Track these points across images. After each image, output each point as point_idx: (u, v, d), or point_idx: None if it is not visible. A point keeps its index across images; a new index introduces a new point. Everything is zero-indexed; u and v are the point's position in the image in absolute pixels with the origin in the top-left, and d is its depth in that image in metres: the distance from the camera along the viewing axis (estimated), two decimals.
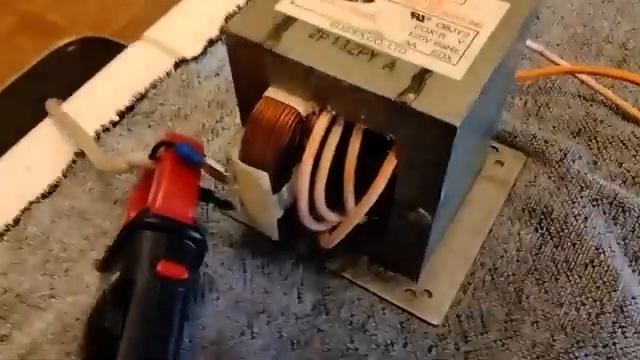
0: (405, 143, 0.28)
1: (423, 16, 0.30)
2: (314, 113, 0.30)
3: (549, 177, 0.40)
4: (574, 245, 0.37)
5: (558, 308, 0.35)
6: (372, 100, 0.27)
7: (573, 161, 0.40)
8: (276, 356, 0.34)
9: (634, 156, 0.41)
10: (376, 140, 0.29)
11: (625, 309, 0.34)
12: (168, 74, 0.46)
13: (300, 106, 0.29)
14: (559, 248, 0.37)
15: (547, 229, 0.38)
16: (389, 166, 0.29)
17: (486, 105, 0.31)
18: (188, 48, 0.47)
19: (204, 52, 0.47)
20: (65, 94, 0.46)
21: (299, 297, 0.36)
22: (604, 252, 0.36)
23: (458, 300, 0.36)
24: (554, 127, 0.43)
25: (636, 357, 0.33)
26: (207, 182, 0.37)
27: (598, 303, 0.35)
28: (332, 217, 0.32)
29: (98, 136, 0.43)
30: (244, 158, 0.31)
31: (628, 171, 0.40)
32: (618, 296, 0.35)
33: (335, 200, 0.31)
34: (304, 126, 0.30)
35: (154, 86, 0.45)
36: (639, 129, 0.42)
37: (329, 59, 0.28)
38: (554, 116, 0.43)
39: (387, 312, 0.35)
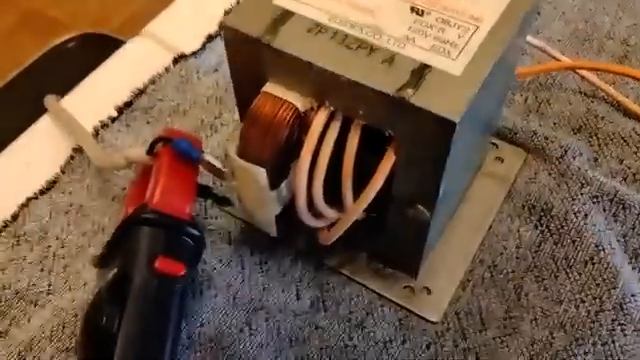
0: (404, 139, 0.28)
1: (422, 10, 0.29)
2: (312, 108, 0.29)
3: (549, 174, 0.39)
4: (574, 242, 0.37)
5: (557, 305, 0.35)
6: (370, 95, 0.27)
7: (574, 158, 0.40)
8: (274, 353, 0.34)
9: (635, 153, 0.41)
10: (375, 136, 0.29)
11: (625, 307, 0.34)
12: (167, 70, 0.46)
13: (298, 101, 0.29)
14: (559, 245, 0.37)
15: (547, 226, 0.38)
16: (388, 162, 0.29)
17: (486, 101, 0.31)
18: (187, 43, 0.47)
19: (203, 47, 0.47)
20: (64, 90, 0.46)
21: (297, 294, 0.36)
22: (604, 249, 0.36)
23: (457, 297, 0.35)
24: (555, 123, 0.42)
25: (635, 355, 0.33)
26: (205, 178, 0.37)
27: (597, 301, 0.35)
28: (330, 213, 0.32)
29: (97, 132, 0.43)
30: (242, 154, 0.31)
31: (629, 168, 0.40)
32: (618, 294, 0.35)
33: (333, 196, 0.31)
34: (302, 122, 0.30)
35: (153, 82, 0.45)
36: None
37: (327, 54, 0.28)
38: (555, 112, 0.43)
39: (386, 309, 0.35)
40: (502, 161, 0.40)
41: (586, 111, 0.43)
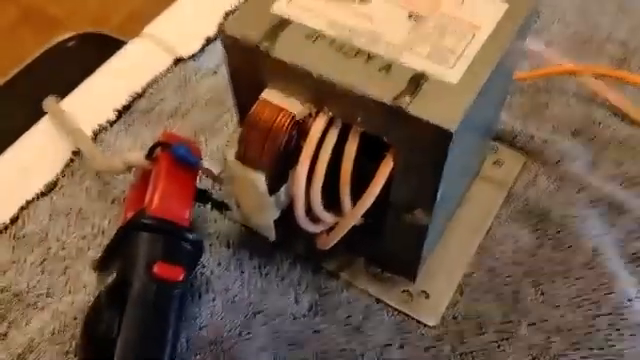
0: (401, 146, 0.28)
1: (420, 17, 0.29)
2: (311, 115, 0.29)
3: (548, 178, 0.40)
4: (571, 247, 0.37)
5: (555, 310, 0.35)
6: (367, 103, 0.27)
7: (572, 162, 0.40)
8: (273, 356, 0.34)
9: (633, 157, 0.41)
10: (373, 142, 0.29)
11: (621, 311, 0.34)
12: (166, 72, 0.46)
13: (297, 108, 0.29)
14: (556, 249, 0.37)
15: (545, 230, 0.38)
16: (386, 169, 0.29)
17: (484, 107, 0.31)
18: (186, 46, 0.47)
19: (202, 50, 0.47)
20: (64, 90, 0.46)
21: (296, 298, 0.36)
22: (601, 254, 0.36)
23: (455, 301, 0.36)
24: (553, 127, 0.42)
25: (632, 359, 0.33)
26: (204, 182, 0.37)
27: (595, 305, 0.35)
28: (329, 218, 0.32)
29: (96, 134, 0.43)
30: (240, 159, 0.31)
31: (627, 172, 0.40)
32: (614, 298, 0.35)
33: (332, 201, 0.31)
34: (301, 128, 0.30)
35: (152, 84, 0.45)
36: (638, 130, 0.42)
37: (325, 61, 0.28)
38: (553, 116, 0.43)
39: (384, 313, 0.35)
40: (501, 165, 0.40)
41: (584, 115, 0.43)
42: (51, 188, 0.40)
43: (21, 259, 0.38)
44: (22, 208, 0.40)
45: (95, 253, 0.38)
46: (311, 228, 0.33)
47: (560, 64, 0.43)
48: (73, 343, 0.34)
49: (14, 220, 0.39)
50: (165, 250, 0.31)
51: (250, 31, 0.29)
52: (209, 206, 0.38)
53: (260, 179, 0.30)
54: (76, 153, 0.42)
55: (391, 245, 0.34)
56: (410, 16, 0.30)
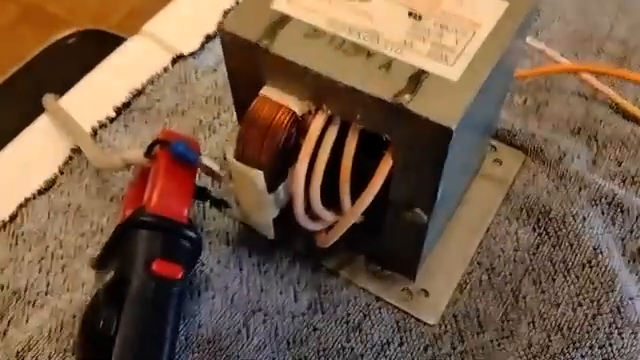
0: (401, 144, 0.28)
1: (420, 15, 0.29)
2: (310, 112, 0.29)
3: (548, 176, 0.39)
4: (572, 245, 0.37)
5: (555, 308, 0.35)
6: (367, 101, 0.27)
7: (572, 160, 0.40)
8: (272, 355, 0.34)
9: (633, 155, 0.40)
10: (372, 140, 0.28)
11: (622, 310, 0.34)
12: (165, 70, 0.46)
13: (296, 105, 0.29)
14: (557, 248, 0.37)
15: (545, 229, 0.38)
16: (385, 166, 0.29)
17: (484, 105, 0.31)
18: (186, 43, 0.47)
19: (202, 48, 0.47)
20: (64, 87, 0.46)
21: (295, 296, 0.36)
22: (602, 252, 0.36)
23: (455, 300, 0.35)
24: (553, 126, 0.42)
25: (632, 358, 0.33)
26: (203, 180, 0.37)
27: (595, 304, 0.35)
28: (328, 216, 0.32)
29: (95, 132, 0.43)
30: (239, 157, 0.31)
31: (627, 170, 0.40)
32: (615, 297, 0.35)
33: (331, 199, 0.31)
34: (300, 125, 0.30)
35: (151, 82, 0.45)
36: (639, 128, 0.42)
37: (325, 59, 0.28)
38: (553, 114, 0.43)
39: (383, 311, 0.35)
40: (500, 163, 0.40)
41: (585, 113, 0.43)
42: (50, 186, 0.40)
43: (19, 257, 0.38)
44: (21, 205, 0.40)
45: (94, 251, 0.37)
46: (310, 226, 0.33)
47: (560, 62, 0.43)
48: (71, 341, 0.34)
49: (13, 217, 0.39)
50: (164, 248, 0.31)
51: (249, 28, 0.29)
52: (208, 204, 0.38)
53: (259, 177, 0.30)
54: (75, 151, 0.42)
55: (391, 243, 0.34)
56: (410, 14, 0.29)
